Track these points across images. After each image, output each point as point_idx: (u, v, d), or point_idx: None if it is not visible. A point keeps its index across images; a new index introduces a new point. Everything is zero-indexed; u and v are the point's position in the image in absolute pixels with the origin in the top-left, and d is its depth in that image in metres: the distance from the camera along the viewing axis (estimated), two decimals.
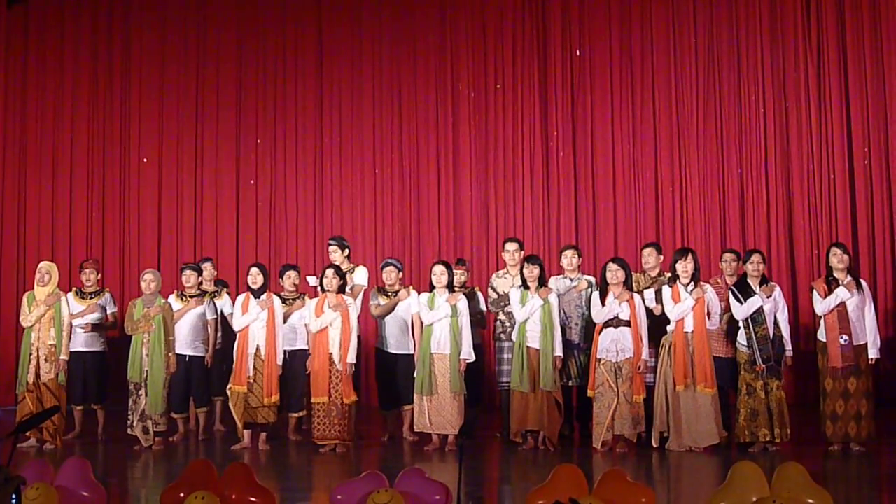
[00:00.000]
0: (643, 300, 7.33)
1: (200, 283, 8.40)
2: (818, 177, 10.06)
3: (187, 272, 8.31)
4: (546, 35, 10.87)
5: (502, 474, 6.90)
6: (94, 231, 11.27)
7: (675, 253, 7.49)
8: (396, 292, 7.87)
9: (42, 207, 11.25)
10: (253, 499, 4.54)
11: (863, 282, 7.29)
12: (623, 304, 7.14)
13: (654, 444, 7.10)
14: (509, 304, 7.50)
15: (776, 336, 7.13)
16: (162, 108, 11.42)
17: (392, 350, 7.87)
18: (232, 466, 4.78)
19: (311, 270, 9.51)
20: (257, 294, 7.57)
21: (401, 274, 8.03)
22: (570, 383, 7.60)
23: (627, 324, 7.14)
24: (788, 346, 7.24)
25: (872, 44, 9.96)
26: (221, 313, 8.45)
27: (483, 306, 8.11)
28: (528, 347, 7.25)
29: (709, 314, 7.12)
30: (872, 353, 7.11)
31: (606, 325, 7.18)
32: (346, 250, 8.32)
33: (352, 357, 7.34)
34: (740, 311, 7.13)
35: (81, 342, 8.16)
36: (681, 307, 7.10)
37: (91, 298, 8.31)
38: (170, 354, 7.57)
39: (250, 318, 7.49)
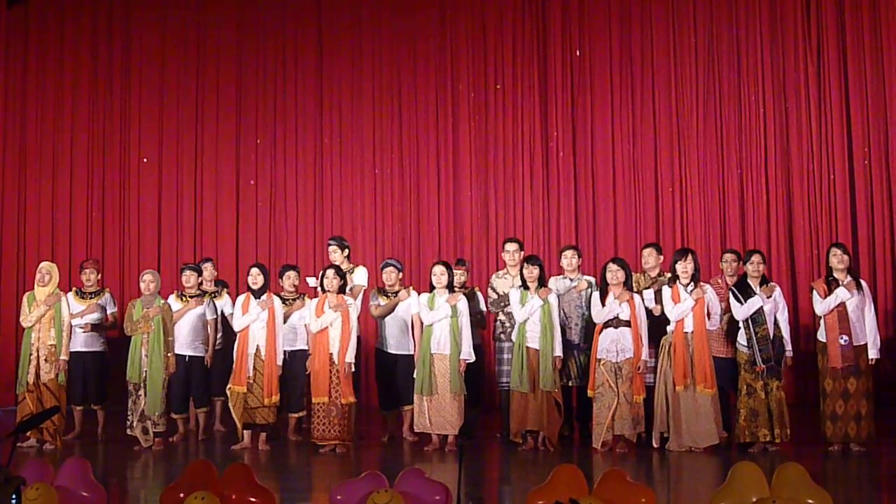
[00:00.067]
0: (643, 300, 7.33)
1: (200, 284, 8.40)
2: (818, 177, 10.07)
3: (187, 272, 8.31)
4: (546, 35, 10.87)
5: (502, 474, 6.91)
6: (94, 231, 11.27)
7: (674, 253, 7.49)
8: (396, 293, 7.87)
9: (42, 207, 11.25)
10: (253, 499, 4.54)
11: (863, 282, 7.29)
12: (623, 305, 7.15)
13: (655, 445, 7.11)
14: (509, 304, 7.50)
15: (776, 336, 7.13)
16: (162, 108, 11.42)
17: (392, 350, 7.87)
18: (232, 467, 4.78)
19: (311, 270, 9.50)
20: (257, 294, 7.57)
21: (401, 274, 8.03)
22: (570, 383, 7.60)
23: (627, 324, 7.14)
24: (788, 347, 7.24)
25: (872, 44, 9.96)
26: (222, 313, 8.45)
27: (483, 306, 8.11)
28: (527, 348, 7.25)
29: (709, 315, 7.12)
30: (872, 354, 7.11)
31: (606, 325, 7.18)
32: (346, 250, 8.32)
33: (350, 357, 7.33)
34: (740, 311, 7.13)
35: (81, 342, 8.16)
36: (680, 307, 7.10)
37: (91, 298, 8.31)
38: (169, 355, 7.57)
39: (250, 319, 7.49)
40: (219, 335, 8.38)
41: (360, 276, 8.21)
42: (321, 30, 11.43)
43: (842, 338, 7.04)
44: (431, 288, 7.52)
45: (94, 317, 8.23)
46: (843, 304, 7.07)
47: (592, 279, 7.75)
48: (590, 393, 7.19)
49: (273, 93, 11.41)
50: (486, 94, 10.99)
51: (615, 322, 7.15)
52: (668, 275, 7.40)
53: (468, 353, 7.40)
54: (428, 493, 4.46)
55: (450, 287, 7.48)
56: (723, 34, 10.42)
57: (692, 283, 7.15)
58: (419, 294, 7.71)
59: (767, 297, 7.15)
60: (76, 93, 11.41)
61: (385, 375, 7.94)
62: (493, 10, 11.07)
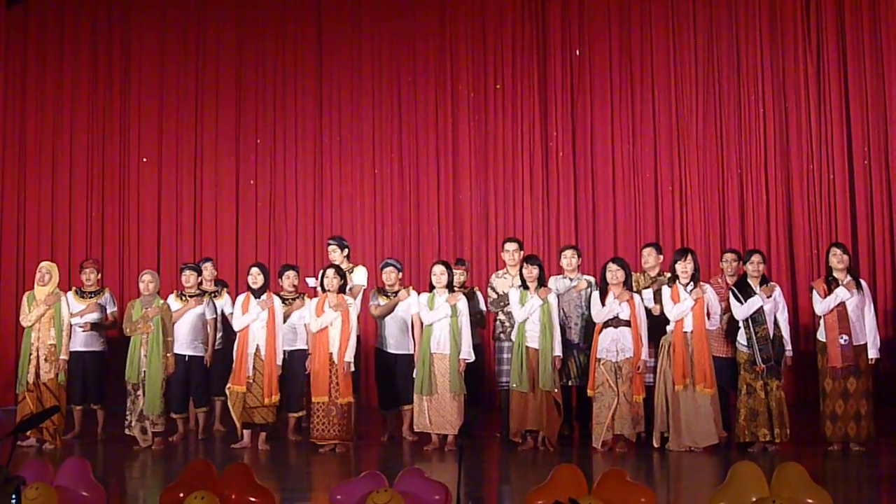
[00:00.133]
0: (642, 300, 7.33)
1: (200, 283, 8.40)
2: (818, 177, 10.07)
3: (187, 272, 8.31)
4: (546, 35, 10.87)
5: (502, 474, 6.90)
6: (94, 231, 11.27)
7: (674, 253, 7.49)
8: (396, 292, 7.87)
9: (42, 207, 11.25)
10: (252, 499, 4.54)
11: (862, 282, 7.29)
12: (623, 304, 7.15)
13: (656, 445, 7.10)
14: (509, 304, 7.50)
15: (776, 336, 7.13)
16: (161, 107, 11.42)
17: (392, 350, 7.87)
18: (231, 466, 4.78)
19: (311, 270, 9.50)
20: (257, 294, 7.57)
21: (400, 274, 8.03)
22: (570, 383, 7.60)
23: (627, 324, 7.14)
24: (788, 347, 7.24)
25: (872, 44, 9.96)
26: (222, 313, 8.45)
27: (482, 306, 8.12)
28: (527, 347, 7.25)
29: (708, 314, 7.12)
30: (872, 354, 7.11)
31: (606, 324, 7.18)
32: (346, 250, 8.32)
33: (349, 356, 7.33)
34: (740, 311, 7.13)
35: (81, 342, 8.16)
36: (680, 307, 7.10)
37: (91, 298, 8.31)
38: (168, 355, 7.57)
39: (250, 318, 7.49)
40: (219, 335, 8.38)
41: (359, 276, 8.21)
42: (321, 30, 11.43)
43: (842, 337, 7.04)
44: (431, 288, 7.52)
45: (93, 316, 8.24)
46: (842, 304, 7.07)
47: (592, 279, 7.76)
48: (590, 393, 7.19)
49: (273, 93, 11.41)
50: (485, 94, 11.00)
51: (615, 322, 7.15)
52: (668, 274, 7.40)
53: (468, 353, 7.40)
54: (428, 492, 4.46)
55: (449, 287, 7.48)
56: (722, 34, 10.42)
57: (692, 283, 7.15)
58: (419, 294, 7.71)
59: (767, 297, 7.15)
60: (76, 92, 11.41)
61: (385, 375, 7.94)
62: (493, 10, 11.07)
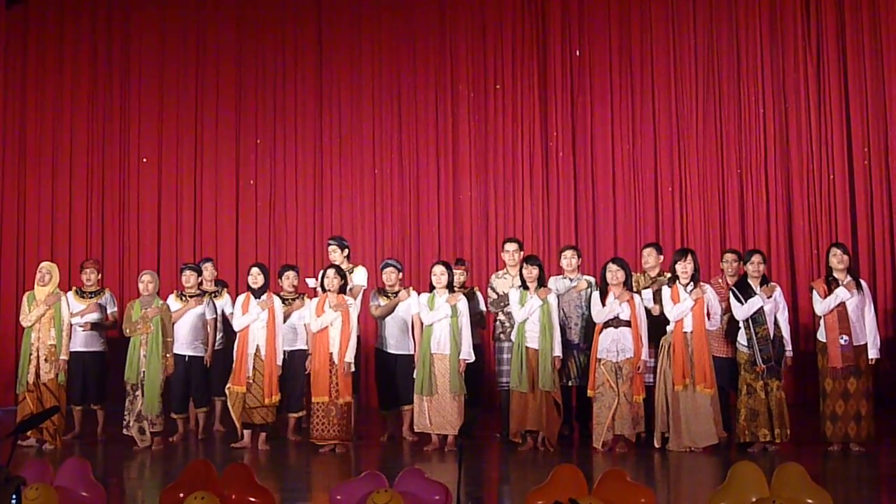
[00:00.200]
0: (641, 300, 7.33)
1: (200, 284, 8.40)
2: (818, 177, 10.07)
3: (187, 272, 8.31)
4: (546, 35, 10.87)
5: (502, 474, 6.90)
6: (94, 231, 11.27)
7: (674, 253, 7.49)
8: (396, 293, 7.87)
9: (42, 207, 11.24)
10: (252, 499, 4.54)
11: (862, 282, 7.29)
12: (623, 305, 7.15)
13: (657, 445, 7.10)
14: (509, 304, 7.50)
15: (776, 336, 7.13)
16: (161, 108, 11.41)
17: (392, 350, 7.87)
18: (231, 467, 4.78)
19: (311, 271, 9.50)
20: (257, 294, 7.57)
21: (401, 274, 8.03)
22: (570, 383, 7.60)
23: (628, 324, 7.14)
24: (789, 347, 7.24)
25: (872, 44, 9.96)
26: (223, 313, 8.45)
27: (482, 306, 8.12)
28: (527, 348, 7.24)
29: (708, 315, 7.12)
30: (872, 354, 7.11)
31: (606, 325, 7.18)
32: (346, 250, 8.32)
33: (350, 357, 7.34)
34: (741, 311, 7.13)
35: (81, 342, 8.15)
36: (680, 307, 7.09)
37: (91, 298, 8.31)
38: (168, 356, 7.57)
39: (250, 319, 7.49)
40: (219, 335, 8.38)
41: (359, 276, 8.20)
42: (321, 30, 11.43)
43: (842, 338, 7.04)
44: (431, 288, 7.52)
45: (93, 316, 8.24)
46: (842, 304, 7.07)
47: (592, 279, 7.76)
48: (590, 393, 7.19)
49: (273, 93, 11.41)
50: (485, 94, 11.00)
51: (615, 322, 7.15)
52: (668, 275, 7.40)
53: (468, 353, 7.40)
54: (428, 493, 4.46)
55: (450, 287, 7.48)
56: (722, 35, 10.42)
57: (692, 283, 7.15)
58: (419, 294, 7.71)
59: (768, 297, 7.15)
60: (76, 93, 11.41)
61: (385, 375, 7.93)
62: (493, 10, 11.07)
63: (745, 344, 7.14)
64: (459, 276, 7.92)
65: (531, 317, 7.27)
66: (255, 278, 7.61)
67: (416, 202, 11.03)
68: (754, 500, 4.21)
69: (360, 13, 11.39)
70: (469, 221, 10.88)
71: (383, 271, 7.98)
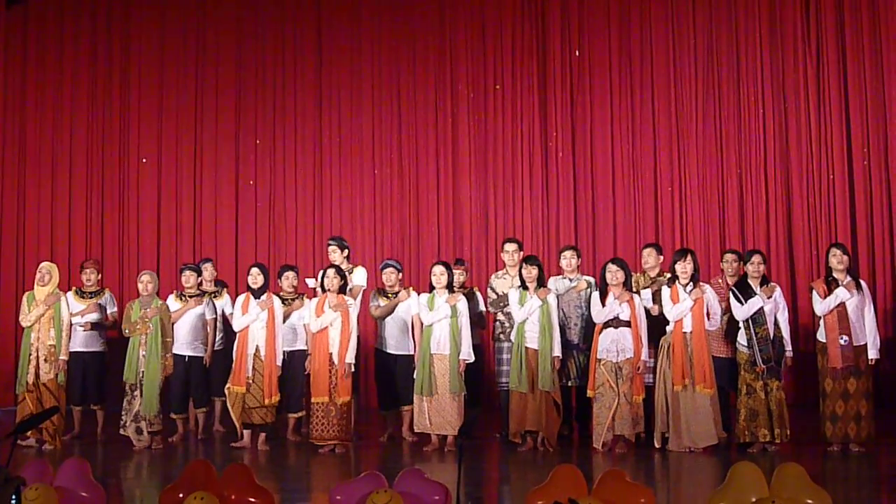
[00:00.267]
0: (641, 300, 7.33)
1: (200, 284, 8.40)
2: (817, 177, 10.07)
3: (187, 272, 8.31)
4: (545, 35, 10.87)
5: (501, 475, 6.90)
6: (94, 231, 11.27)
7: (674, 254, 7.49)
8: (396, 293, 7.87)
9: (41, 207, 11.25)
10: (252, 499, 4.53)
11: (862, 282, 7.29)
12: (623, 305, 7.15)
13: (657, 445, 7.10)
14: (508, 304, 7.50)
15: (776, 337, 7.13)
16: (161, 108, 11.41)
17: (391, 350, 7.87)
18: (231, 467, 4.78)
19: (311, 271, 9.50)
20: (257, 294, 7.57)
21: (400, 275, 8.03)
22: (570, 384, 7.60)
23: (627, 324, 7.15)
24: (789, 347, 7.24)
25: (871, 44, 9.96)
26: (222, 313, 8.45)
27: (482, 307, 8.12)
28: (526, 348, 7.24)
29: (708, 315, 7.12)
30: (872, 354, 7.10)
31: (606, 325, 7.18)
32: (346, 251, 8.32)
33: (350, 357, 7.34)
34: (741, 311, 7.13)
35: (81, 342, 8.16)
36: (679, 308, 7.09)
37: (91, 298, 8.31)
38: (167, 356, 7.57)
39: (250, 319, 7.49)
40: (219, 335, 8.38)
41: (359, 277, 8.20)
42: (320, 30, 11.43)
43: (842, 338, 7.04)
44: (431, 288, 7.52)
45: (93, 316, 8.24)
46: (842, 305, 7.07)
47: (592, 279, 7.76)
48: (590, 393, 7.19)
49: (272, 93, 11.41)
50: (485, 94, 11.00)
51: (615, 322, 7.16)
52: (668, 275, 7.40)
53: (468, 354, 7.40)
54: (427, 493, 4.46)
55: (449, 287, 7.48)
56: (722, 35, 10.42)
57: (691, 284, 7.15)
58: (419, 294, 7.71)
59: (768, 298, 7.15)
60: (75, 93, 11.41)
61: (384, 376, 7.94)
62: (493, 10, 11.07)
63: (745, 344, 7.14)
64: (459, 276, 7.92)
65: (531, 317, 7.27)
66: (255, 278, 7.61)
67: (416, 202, 11.03)
68: (754, 500, 4.21)
69: (359, 13, 11.39)
70: (469, 221, 10.88)
71: (383, 272, 7.98)
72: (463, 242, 10.83)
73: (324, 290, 7.51)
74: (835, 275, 7.17)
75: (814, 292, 7.22)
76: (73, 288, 8.44)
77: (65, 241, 11.16)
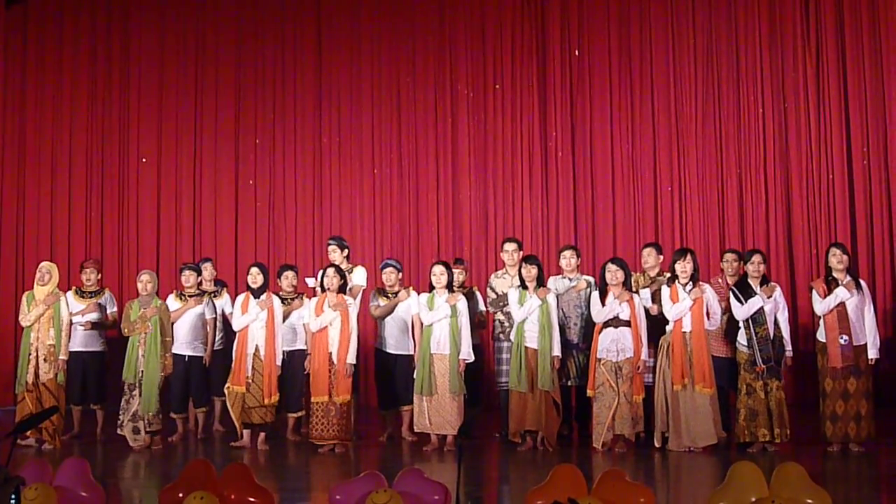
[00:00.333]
0: (640, 300, 7.33)
1: (200, 283, 8.40)
2: (817, 177, 10.06)
3: (187, 272, 8.32)
4: (545, 35, 10.87)
5: (501, 474, 6.90)
6: (93, 231, 11.27)
7: (673, 253, 7.49)
8: (396, 293, 7.87)
9: (41, 207, 11.25)
10: (252, 499, 4.53)
11: (862, 282, 7.29)
12: (623, 305, 7.15)
13: (657, 445, 7.10)
14: (508, 304, 7.50)
15: (776, 336, 7.14)
16: (161, 108, 11.42)
17: (391, 350, 7.87)
18: (231, 466, 4.77)
19: (311, 271, 9.50)
20: (257, 294, 7.57)
21: (400, 275, 8.03)
22: (570, 383, 7.60)
23: (627, 324, 7.14)
24: (788, 347, 7.24)
25: (871, 44, 9.96)
26: (223, 313, 8.45)
27: (482, 306, 8.11)
28: (526, 347, 7.24)
29: (708, 315, 7.12)
30: (872, 354, 7.10)
31: (606, 325, 7.18)
32: (346, 250, 8.32)
33: (352, 358, 7.34)
34: (741, 311, 7.13)
35: (80, 342, 8.16)
36: (679, 307, 7.09)
37: (91, 298, 8.31)
38: (166, 355, 7.57)
39: (250, 318, 7.49)
40: (220, 335, 8.38)
41: (359, 276, 8.21)
42: (320, 30, 11.43)
43: (842, 337, 7.04)
44: (431, 288, 7.52)
45: (93, 316, 8.24)
46: (842, 304, 7.07)
47: (591, 279, 7.76)
48: (590, 393, 7.19)
49: (272, 93, 11.41)
50: (485, 93, 11.00)
51: (615, 322, 7.15)
52: (668, 274, 7.40)
53: (467, 353, 7.40)
54: (427, 492, 4.46)
55: (449, 287, 7.48)
56: (722, 34, 10.42)
57: (691, 283, 7.15)
58: (419, 294, 7.71)
59: (768, 297, 7.15)
60: (75, 92, 11.41)
61: (384, 375, 7.94)
62: (493, 10, 11.07)
63: (745, 344, 7.14)
64: (458, 275, 7.92)
65: (530, 316, 7.27)
66: (255, 278, 7.61)
67: (416, 202, 11.03)
68: (754, 499, 4.21)
69: (359, 13, 11.39)
70: (468, 221, 10.88)
71: (383, 271, 7.97)
72: (463, 242, 10.83)
73: (323, 290, 7.50)
74: (835, 274, 7.17)
75: (814, 292, 7.22)
76: (73, 287, 8.44)
77: (64, 241, 11.16)
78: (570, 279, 7.76)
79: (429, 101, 11.11)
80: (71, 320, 7.93)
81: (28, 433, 7.39)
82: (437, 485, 4.52)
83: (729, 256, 7.77)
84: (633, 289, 7.42)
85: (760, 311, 7.11)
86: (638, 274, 7.81)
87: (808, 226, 10.06)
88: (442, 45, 11.13)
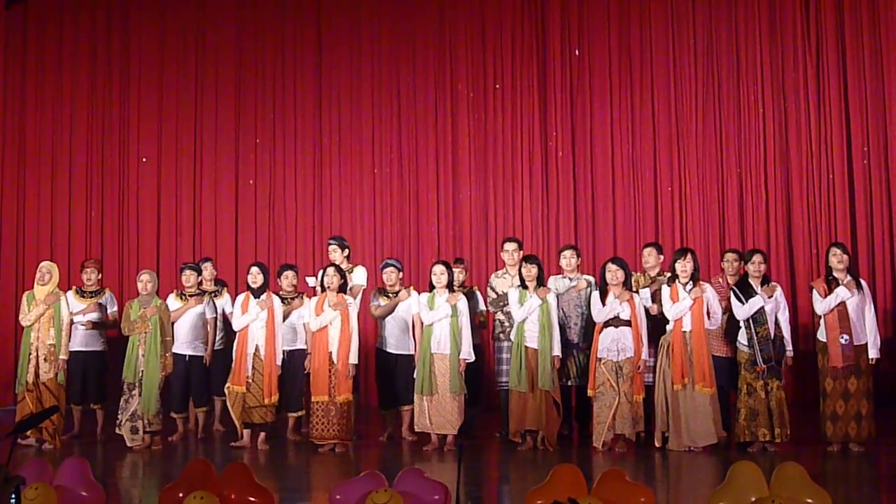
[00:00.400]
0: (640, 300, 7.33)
1: (200, 283, 8.41)
2: (817, 177, 10.06)
3: (187, 272, 8.32)
4: (545, 35, 10.87)
5: (501, 474, 6.90)
6: (93, 230, 11.27)
7: (674, 253, 7.50)
8: (397, 293, 7.87)
9: (41, 207, 11.25)
10: (252, 499, 4.53)
11: (862, 282, 7.29)
12: (623, 304, 7.15)
13: (658, 444, 7.10)
14: (508, 303, 7.50)
15: (777, 336, 7.14)
16: (161, 107, 11.42)
17: (392, 350, 7.86)
18: (231, 466, 4.78)
19: (311, 270, 9.50)
20: (257, 294, 7.57)
21: (401, 274, 8.03)
22: (570, 383, 7.60)
23: (628, 323, 7.14)
24: (789, 347, 7.24)
25: (871, 44, 9.96)
26: (223, 313, 8.45)
27: (482, 306, 8.11)
28: (526, 347, 7.24)
29: (709, 314, 7.12)
30: (872, 353, 7.10)
31: (607, 324, 7.18)
32: (346, 250, 8.32)
33: (354, 358, 7.34)
34: (742, 311, 7.13)
35: (80, 342, 8.16)
36: (679, 307, 7.09)
37: (91, 297, 8.31)
38: (167, 355, 7.57)
39: (250, 318, 7.49)
40: (220, 335, 8.38)
41: (359, 276, 8.21)
42: (320, 29, 11.43)
43: (842, 337, 7.03)
44: (431, 287, 7.52)
45: (94, 316, 8.24)
46: (843, 304, 7.07)
47: (592, 278, 7.76)
48: (590, 392, 7.19)
49: (272, 92, 11.41)
50: (485, 93, 11.00)
51: (615, 321, 7.15)
52: (668, 274, 7.40)
53: (468, 353, 7.40)
54: (427, 492, 4.46)
55: (449, 286, 7.48)
56: (722, 34, 10.42)
57: (691, 283, 7.15)
58: (419, 294, 7.71)
59: (769, 297, 7.15)
60: (75, 92, 11.41)
61: (385, 375, 7.93)
62: (493, 10, 11.07)
63: (746, 344, 7.13)
64: (458, 274, 7.92)
65: (530, 316, 7.27)
66: (255, 278, 7.61)
67: (416, 202, 11.03)
68: (754, 499, 4.21)
69: (359, 13, 11.39)
70: (469, 221, 10.88)
71: (383, 271, 7.98)
72: (463, 242, 10.83)
73: (323, 289, 7.51)
74: (835, 274, 7.17)
75: (814, 291, 7.22)
76: (74, 287, 8.44)
77: (65, 241, 11.17)
78: (571, 279, 7.76)
79: (429, 101, 11.11)
80: (71, 320, 7.94)
81: (28, 433, 7.38)
82: (437, 485, 4.52)
83: (729, 256, 7.77)
84: (634, 289, 7.42)
85: (761, 310, 7.11)
86: (638, 274, 7.81)
87: (808, 226, 10.06)
88: (442, 45, 11.13)
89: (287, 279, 7.98)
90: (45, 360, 7.59)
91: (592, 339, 7.27)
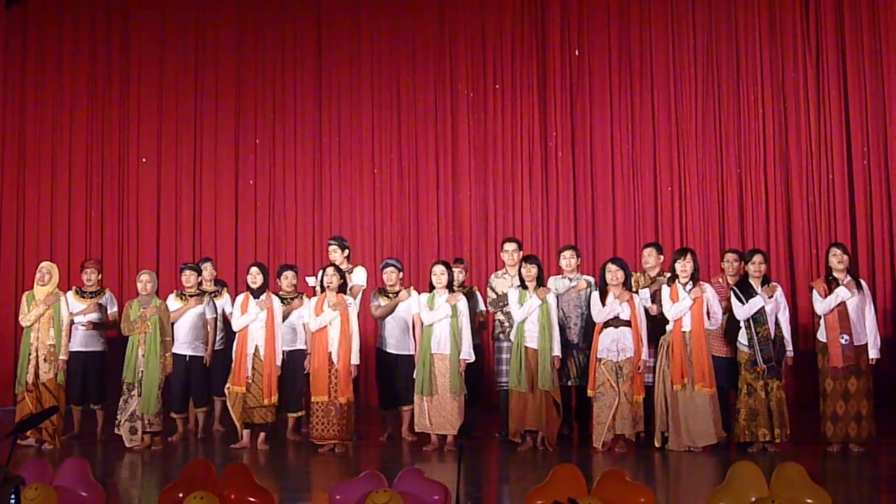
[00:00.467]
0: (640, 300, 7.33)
1: (200, 283, 8.41)
2: (817, 177, 10.06)
3: (187, 272, 8.32)
4: (545, 35, 10.87)
5: (501, 474, 6.90)
6: (93, 231, 11.27)
7: (674, 253, 7.50)
8: (397, 293, 7.87)
9: (41, 207, 11.25)
10: (252, 499, 4.54)
11: (862, 282, 7.29)
12: (623, 305, 7.14)
13: (657, 444, 7.10)
14: (508, 304, 7.50)
15: (777, 336, 7.14)
16: (161, 108, 11.42)
17: (392, 350, 7.87)
18: (231, 466, 4.78)
19: (311, 271, 9.50)
20: (257, 294, 7.57)
21: (401, 274, 8.03)
22: (570, 383, 7.60)
23: (628, 324, 7.14)
24: (789, 347, 7.24)
25: (871, 44, 9.95)
26: (223, 313, 8.45)
27: (482, 306, 8.11)
28: (526, 347, 7.25)
29: (709, 314, 7.12)
30: (873, 354, 7.10)
31: (607, 324, 7.18)
32: (346, 251, 8.32)
33: (355, 358, 7.34)
34: (742, 311, 7.13)
35: (80, 342, 8.16)
36: (678, 307, 7.09)
37: (91, 298, 8.31)
38: (166, 355, 7.57)
39: (249, 318, 7.49)
40: (220, 335, 8.38)
41: (359, 276, 8.21)
42: (320, 30, 11.43)
43: (842, 337, 7.03)
44: (431, 288, 7.52)
45: (94, 316, 8.24)
46: (843, 304, 7.07)
47: (591, 279, 7.76)
48: (590, 392, 7.19)
49: (272, 93, 11.41)
50: (485, 94, 11.00)
51: (615, 322, 7.15)
52: (668, 274, 7.40)
53: (468, 353, 7.40)
54: (427, 492, 4.46)
55: (449, 287, 7.48)
56: (722, 34, 10.42)
57: (691, 283, 7.15)
58: (419, 294, 7.71)
59: (769, 297, 7.15)
60: (75, 92, 11.41)
61: (385, 375, 7.94)
62: (493, 10, 11.07)
63: (746, 344, 7.14)
64: (458, 275, 7.92)
65: (530, 316, 7.27)
66: (255, 278, 7.61)
67: (416, 202, 11.03)
68: (754, 499, 4.21)
69: (359, 13, 11.39)
70: (468, 221, 10.88)
71: (383, 271, 7.98)
72: (463, 242, 10.83)
73: (323, 290, 7.51)
74: (835, 274, 7.17)
75: (814, 292, 7.22)
76: (74, 287, 8.44)
77: (65, 241, 11.16)
78: (570, 279, 7.76)
79: (429, 101, 11.11)
80: (71, 320, 7.94)
81: (28, 433, 7.39)
82: (437, 485, 4.52)
83: (730, 256, 7.78)
84: (633, 289, 7.42)
85: (761, 310, 7.11)
86: (638, 274, 7.81)
87: (808, 226, 10.06)
88: (442, 45, 11.13)
89: (287, 279, 7.97)
90: (44, 360, 7.59)
91: (592, 339, 7.27)
